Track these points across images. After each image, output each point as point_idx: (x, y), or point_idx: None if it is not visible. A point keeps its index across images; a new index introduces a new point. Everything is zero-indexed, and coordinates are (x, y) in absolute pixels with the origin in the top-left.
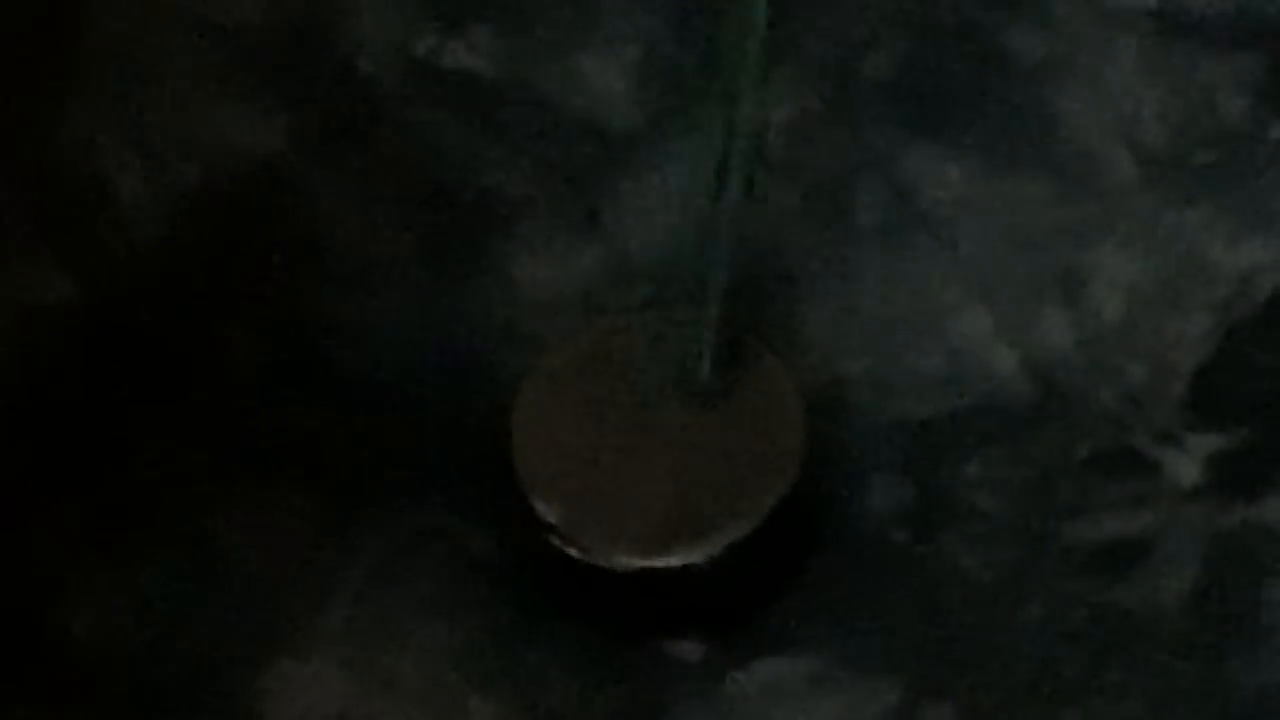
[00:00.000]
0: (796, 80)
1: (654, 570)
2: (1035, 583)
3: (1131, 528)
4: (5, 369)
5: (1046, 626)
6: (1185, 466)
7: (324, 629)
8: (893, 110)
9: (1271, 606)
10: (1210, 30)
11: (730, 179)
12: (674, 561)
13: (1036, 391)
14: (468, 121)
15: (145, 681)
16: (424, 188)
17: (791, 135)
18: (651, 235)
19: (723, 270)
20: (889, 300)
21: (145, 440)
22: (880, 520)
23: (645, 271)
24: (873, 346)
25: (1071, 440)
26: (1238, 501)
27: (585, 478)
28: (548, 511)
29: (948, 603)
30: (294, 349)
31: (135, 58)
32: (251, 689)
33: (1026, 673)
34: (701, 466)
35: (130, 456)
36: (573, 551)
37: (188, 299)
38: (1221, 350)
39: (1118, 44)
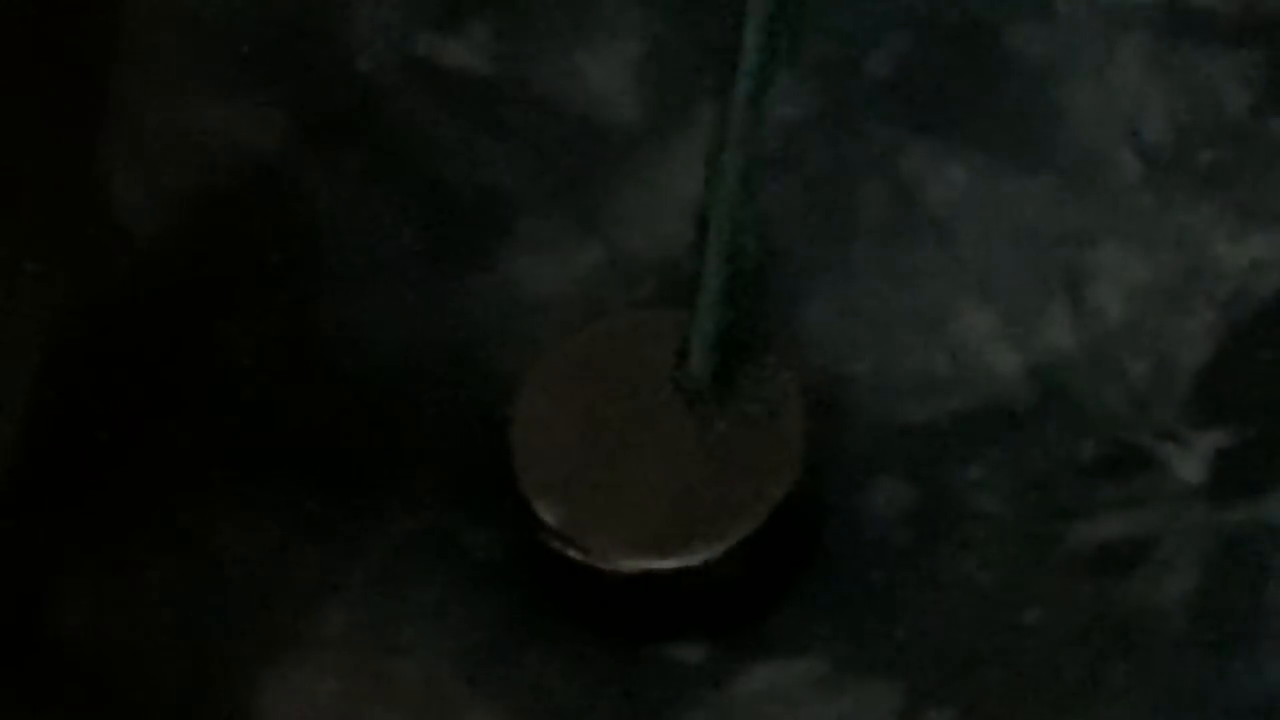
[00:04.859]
0: (796, 78)
1: (654, 572)
2: (1037, 584)
3: (1134, 528)
4: (0, 369)
5: (1049, 628)
6: (1189, 465)
7: (322, 632)
8: (894, 108)
9: (1274, 607)
10: (1214, 26)
11: (726, 179)
12: (674, 564)
13: (1039, 392)
14: (467, 120)
15: (141, 684)
16: (423, 187)
17: (792, 134)
18: (651, 235)
19: (722, 273)
20: (890, 300)
21: (141, 440)
22: (882, 522)
23: (645, 271)
24: (873, 346)
25: (1074, 440)
26: (1241, 500)
27: (585, 479)
28: (548, 513)
29: (950, 605)
30: (292, 349)
31: (130, 56)
32: (249, 692)
33: (1029, 675)
34: (702, 468)
35: (126, 456)
36: (573, 553)
37: (185, 299)
38: (1225, 348)
39: (1121, 41)
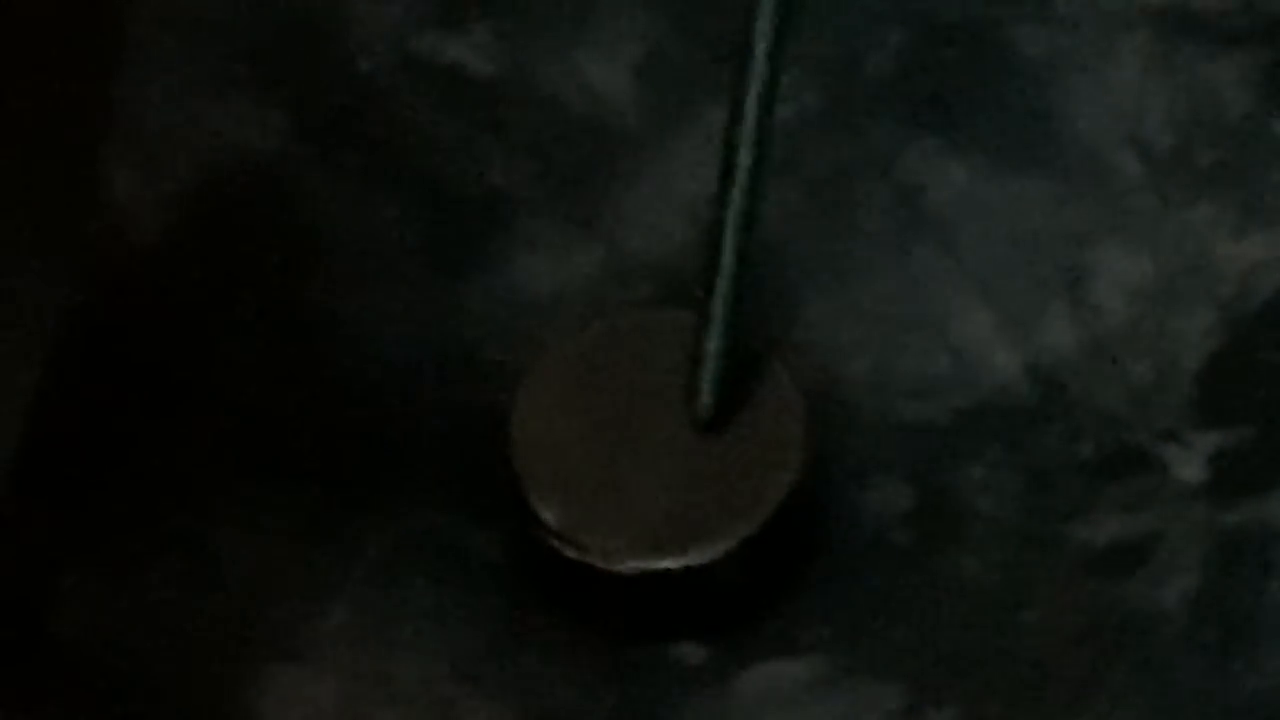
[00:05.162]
0: (797, 78)
1: (654, 572)
2: (1038, 585)
3: (1134, 528)
4: (2, 369)
5: (1049, 629)
6: (1189, 465)
7: (321, 631)
8: (894, 109)
9: (1274, 606)
10: (1214, 27)
11: (733, 190)
12: (674, 563)
13: (1039, 392)
14: (467, 120)
15: (141, 684)
16: (424, 187)
17: (792, 134)
18: (651, 235)
19: (729, 293)
20: (890, 300)
21: (142, 441)
22: (882, 522)
23: (645, 271)
24: (873, 346)
25: (1074, 441)
26: (1241, 499)
27: (585, 479)
28: (547, 513)
29: (950, 605)
30: (292, 349)
31: (130, 56)
32: (248, 692)
33: (1029, 675)
34: (702, 468)
35: (127, 457)
36: (572, 553)
37: (186, 299)
38: (1225, 348)
39: (1121, 42)
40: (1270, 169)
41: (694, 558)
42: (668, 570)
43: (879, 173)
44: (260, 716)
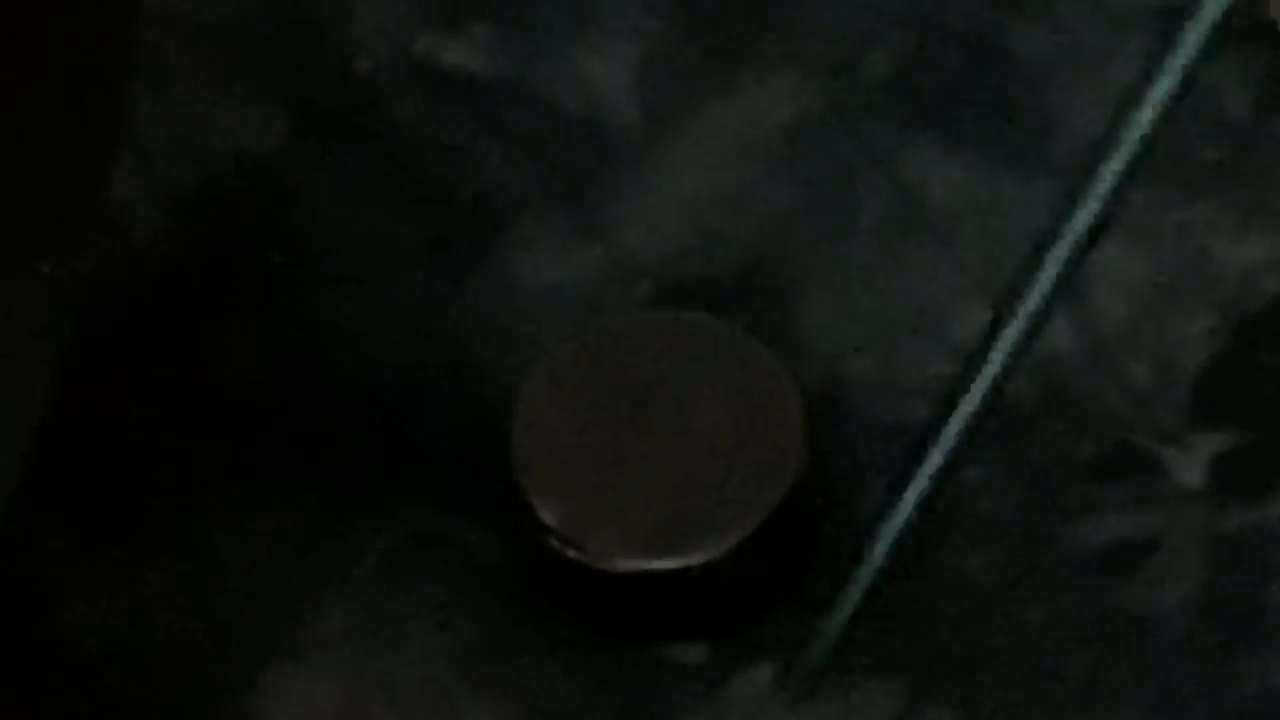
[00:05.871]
0: (796, 79)
1: (654, 572)
2: (1037, 585)
3: (1135, 529)
4: (10, 374)
5: (1049, 630)
6: (1189, 467)
7: (322, 631)
8: (893, 109)
9: (1276, 608)
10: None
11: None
12: (674, 563)
13: (1038, 392)
14: (467, 120)
15: (141, 684)
16: (423, 187)
17: (791, 135)
18: (651, 235)
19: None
20: (889, 300)
21: (141, 441)
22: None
23: (645, 271)
24: (873, 346)
25: (1074, 441)
26: (1242, 502)
27: (585, 479)
28: (547, 513)
29: (948, 606)
30: (292, 349)
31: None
32: (249, 692)
33: (1029, 677)
34: (701, 468)
35: (126, 457)
36: (572, 553)
37: (185, 299)
38: (1226, 350)
39: (1121, 41)
40: (1270, 169)
41: (693, 558)
42: (667, 570)
43: (878, 173)
44: (260, 716)
